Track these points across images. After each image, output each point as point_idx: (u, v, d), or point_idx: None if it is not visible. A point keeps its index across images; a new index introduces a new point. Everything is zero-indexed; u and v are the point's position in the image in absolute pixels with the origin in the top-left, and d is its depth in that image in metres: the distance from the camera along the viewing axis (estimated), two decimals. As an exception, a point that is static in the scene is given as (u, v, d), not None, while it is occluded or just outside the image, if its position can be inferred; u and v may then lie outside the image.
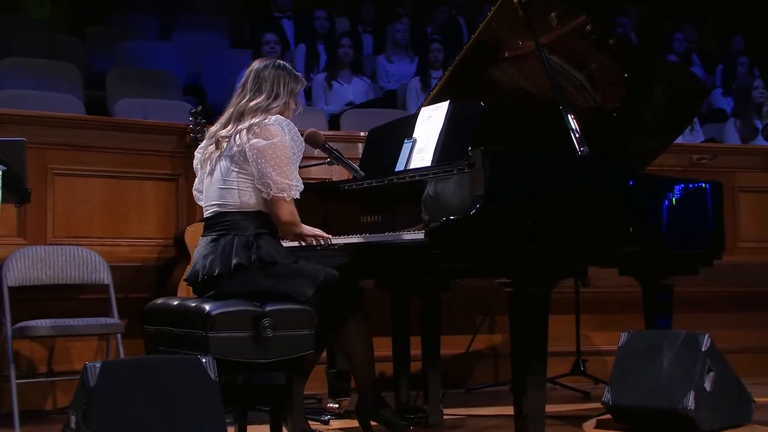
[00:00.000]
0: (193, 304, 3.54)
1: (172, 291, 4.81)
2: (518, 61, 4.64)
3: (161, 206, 5.21)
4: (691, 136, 7.50)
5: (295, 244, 4.01)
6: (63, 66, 7.09)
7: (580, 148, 3.87)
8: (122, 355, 4.55)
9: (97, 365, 2.88)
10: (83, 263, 4.75)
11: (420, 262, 3.47)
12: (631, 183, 3.77)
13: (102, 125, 5.14)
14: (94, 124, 5.12)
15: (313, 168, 5.17)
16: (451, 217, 3.35)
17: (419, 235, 3.44)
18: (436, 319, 4.03)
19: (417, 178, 3.80)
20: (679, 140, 7.19)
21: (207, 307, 3.46)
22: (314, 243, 3.87)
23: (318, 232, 3.86)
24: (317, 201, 4.37)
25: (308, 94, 7.68)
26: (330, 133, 6.03)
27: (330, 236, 3.85)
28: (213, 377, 3.06)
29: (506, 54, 4.68)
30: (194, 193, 3.94)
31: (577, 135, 3.91)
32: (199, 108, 5.19)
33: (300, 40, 8.74)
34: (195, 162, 3.93)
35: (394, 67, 8.33)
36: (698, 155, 6.29)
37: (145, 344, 3.90)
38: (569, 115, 3.98)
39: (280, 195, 3.65)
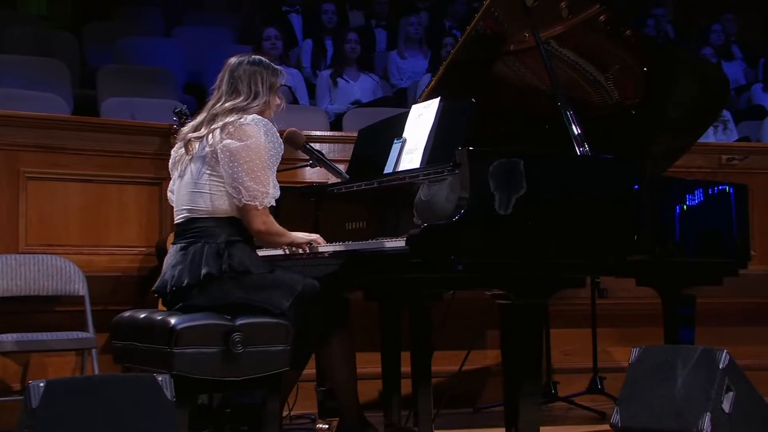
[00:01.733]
0: (159, 318, 3.49)
1: (155, 303, 4.75)
2: (525, 54, 4.57)
3: (143, 212, 5.15)
4: (724, 135, 7.36)
5: (279, 252, 3.96)
6: (52, 63, 7.10)
7: (579, 148, 3.76)
8: (96, 371, 4.50)
9: (41, 384, 2.82)
10: (57, 273, 4.71)
11: (401, 273, 3.37)
12: (636, 187, 3.65)
13: (80, 126, 5.11)
14: (70, 124, 5.08)
15: (304, 169, 5.13)
16: (433, 223, 3.26)
17: (402, 243, 3.35)
18: (426, 331, 3.94)
19: (403, 181, 3.72)
20: (710, 139, 7.13)
21: (172, 321, 3.40)
22: (298, 251, 3.81)
23: (313, 237, 3.80)
24: (309, 205, 4.31)
25: (312, 92, 7.63)
26: (327, 133, 5.95)
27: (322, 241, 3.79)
28: (170, 397, 2.99)
29: (511, 47, 4.60)
30: (168, 194, 3.90)
31: (576, 133, 3.80)
32: (184, 107, 5.13)
33: (308, 36, 8.71)
34: (170, 162, 3.88)
35: (406, 64, 8.25)
36: (728, 155, 6.15)
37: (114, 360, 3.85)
38: (568, 112, 3.86)
39: (252, 203, 3.59)
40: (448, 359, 4.51)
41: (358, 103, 7.32)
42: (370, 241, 3.63)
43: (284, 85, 7.00)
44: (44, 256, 4.76)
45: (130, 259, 5.12)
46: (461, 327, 4.55)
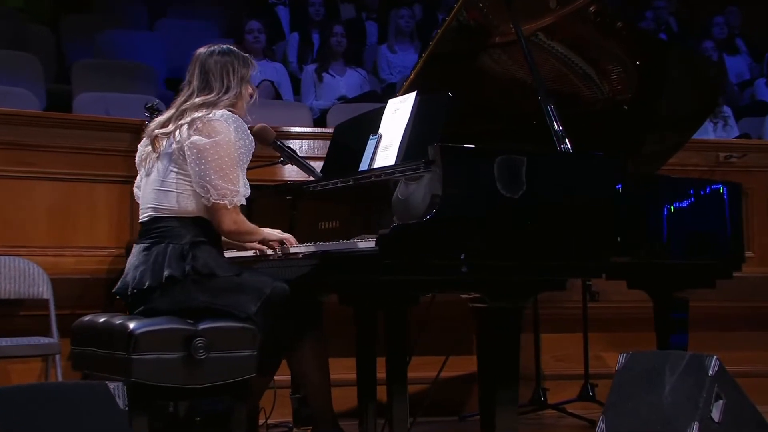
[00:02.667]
0: (118, 322, 3.45)
1: (125, 308, 4.71)
2: (511, 47, 4.53)
3: (113, 211, 5.10)
4: (724, 132, 7.31)
5: (249, 253, 3.92)
6: (24, 58, 7.03)
7: (560, 145, 3.71)
8: (60, 378, 4.45)
9: (-16, 392, 2.77)
10: (20, 276, 4.66)
11: (372, 275, 3.32)
12: (618, 186, 3.59)
13: (47, 122, 5.06)
14: (37, 120, 5.03)
15: (283, 167, 5.08)
16: (405, 222, 3.20)
17: (373, 243, 3.30)
18: (401, 336, 3.90)
19: (376, 179, 3.67)
20: (710, 136, 7.08)
21: (130, 326, 3.36)
22: (268, 252, 3.76)
23: (285, 236, 3.76)
24: (284, 205, 4.26)
25: (297, 87, 7.59)
26: (308, 130, 5.90)
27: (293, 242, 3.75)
28: (122, 406, 2.93)
29: (497, 39, 4.56)
30: (134, 191, 3.86)
31: (557, 129, 3.75)
32: (156, 102, 5.06)
33: (295, 29, 8.67)
34: (137, 158, 3.83)
35: (396, 58, 8.21)
36: (726, 153, 6.10)
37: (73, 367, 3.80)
38: (549, 107, 3.81)
39: (221, 202, 3.54)
40: (430, 365, 4.44)
41: (344, 99, 7.26)
42: (341, 241, 3.57)
43: (266, 80, 7.06)
44: (6, 257, 4.71)
45: (99, 261, 5.07)
46: (444, 331, 4.51)
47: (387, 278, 3.34)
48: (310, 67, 7.56)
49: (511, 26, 4.40)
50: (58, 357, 4.58)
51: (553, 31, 4.43)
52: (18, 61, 7.00)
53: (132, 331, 3.32)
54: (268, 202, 4.40)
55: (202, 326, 3.42)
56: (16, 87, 6.25)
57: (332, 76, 7.47)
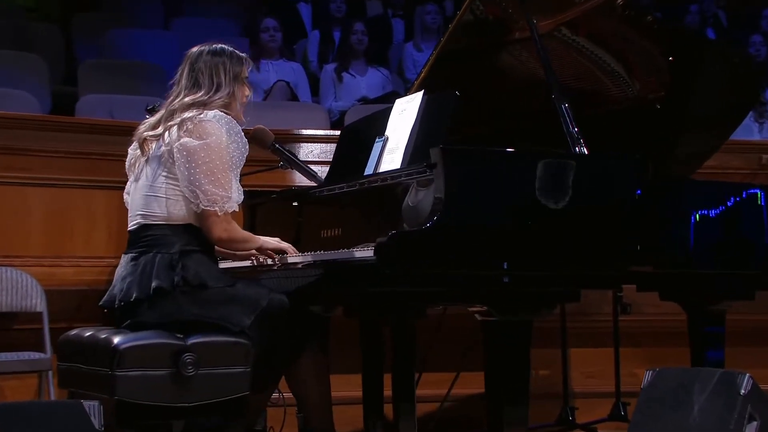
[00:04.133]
0: (103, 336, 3.43)
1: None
2: (532, 44, 4.44)
3: (113, 219, 5.05)
4: (769, 132, 7.20)
5: (246, 263, 3.89)
6: (28, 58, 7.07)
7: (574, 147, 3.65)
8: (53, 397, 4.43)
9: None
10: (12, 287, 4.66)
11: (369, 286, 3.28)
12: (638, 192, 3.53)
13: (42, 125, 5.06)
14: (31, 123, 5.03)
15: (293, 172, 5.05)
16: (403, 230, 3.16)
17: (372, 253, 3.26)
18: (408, 351, 3.85)
19: (377, 184, 3.65)
20: (752, 137, 6.96)
21: (115, 340, 3.34)
22: (267, 262, 3.74)
23: (283, 245, 3.73)
24: (289, 211, 4.23)
25: (315, 88, 7.56)
26: (321, 132, 5.86)
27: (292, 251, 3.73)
28: (98, 426, 2.92)
29: (516, 35, 4.51)
30: (124, 196, 3.84)
31: (570, 128, 3.69)
32: (159, 103, 5.05)
33: (317, 26, 8.66)
34: (126, 163, 3.82)
35: (422, 56, 8.14)
36: (769, 155, 6.00)
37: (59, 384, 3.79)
38: (563, 106, 3.75)
39: (211, 208, 3.52)
40: (440, 382, 4.40)
41: (364, 100, 7.23)
42: (341, 250, 3.54)
43: (282, 81, 7.05)
44: (-3, 268, 4.71)
45: (98, 271, 5.03)
46: (455, 345, 4.45)
47: (386, 289, 3.29)
48: (330, 67, 7.54)
49: (533, 20, 4.37)
50: (50, 373, 4.56)
51: (578, 25, 4.38)
52: (22, 62, 7.05)
53: (116, 346, 3.30)
54: (272, 208, 4.38)
55: (191, 341, 3.39)
56: (18, 89, 6.29)
57: (353, 75, 7.44)
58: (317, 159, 5.35)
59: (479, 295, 3.31)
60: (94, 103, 6.39)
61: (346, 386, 4.19)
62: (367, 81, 7.44)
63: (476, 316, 3.39)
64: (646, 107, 4.45)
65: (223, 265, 4.01)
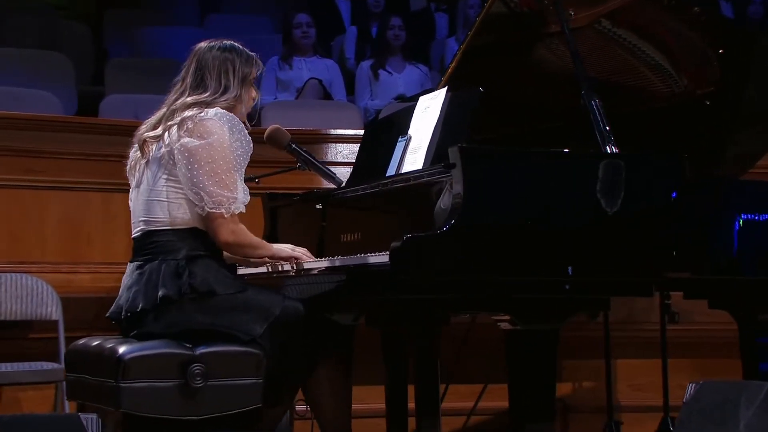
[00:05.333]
0: (108, 346, 3.44)
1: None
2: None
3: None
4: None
5: (262, 269, 3.87)
6: (54, 57, 7.13)
7: (605, 145, 3.58)
8: (67, 409, 4.45)
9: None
10: (27, 295, 4.69)
11: (384, 293, 3.26)
12: (674, 194, 3.46)
13: (58, 126, 5.09)
14: (46, 124, 5.05)
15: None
16: (418, 234, 3.12)
17: (386, 258, 3.22)
18: (430, 361, 3.82)
19: (394, 186, 3.64)
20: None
21: (120, 350, 3.33)
22: (282, 267, 3.71)
23: (299, 250, 3.69)
24: (313, 215, 4.21)
25: (350, 86, 7.54)
26: (350, 132, 5.83)
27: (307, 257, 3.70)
28: (95, 440, 2.90)
29: (552, 28, 4.46)
30: (129, 203, 3.82)
31: (601, 126, 3.62)
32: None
33: (355, 22, 8.66)
34: (127, 166, 3.80)
35: (466, 51, 8.10)
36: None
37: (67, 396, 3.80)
38: (593, 102, 3.69)
39: (217, 210, 3.50)
40: (468, 394, 4.35)
41: (401, 98, 7.19)
42: (356, 255, 3.51)
43: (314, 79, 7.04)
44: (12, 275, 4.73)
45: (117, 278, 4.92)
46: (484, 356, 4.41)
47: (402, 297, 3.26)
48: (366, 64, 7.52)
49: (571, 12, 4.32)
50: (65, 384, 4.57)
51: (619, 16, 4.31)
52: (48, 62, 7.12)
53: (121, 356, 3.30)
54: (294, 211, 4.36)
55: (199, 351, 3.38)
56: (41, 89, 6.34)
57: (389, 73, 7.41)
58: (345, 160, 5.33)
59: (501, 302, 3.26)
60: (119, 103, 6.43)
61: (370, 398, 4.14)
62: (405, 78, 7.40)
63: (499, 324, 3.33)
64: (695, 103, 4.38)
65: (241, 271, 4.00)
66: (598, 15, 4.31)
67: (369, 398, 4.16)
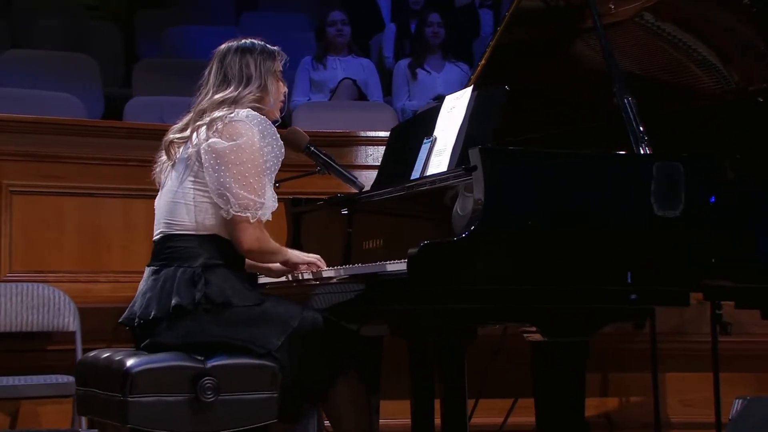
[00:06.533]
0: (117, 358, 3.44)
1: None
2: (611, 31, 4.35)
3: (153, 231, 5.10)
4: None
5: (282, 279, 3.86)
6: (81, 60, 7.18)
7: (639, 146, 3.53)
8: (84, 424, 4.46)
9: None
10: (44, 305, 4.71)
11: (402, 302, 3.23)
12: (713, 199, 3.39)
13: (77, 130, 5.11)
14: (64, 128, 5.08)
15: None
16: (436, 241, 3.08)
17: (404, 266, 3.19)
18: (457, 375, 3.79)
19: (416, 190, 3.62)
20: None
21: (127, 363, 3.33)
22: (303, 276, 3.70)
23: (312, 257, 3.71)
24: (338, 221, 4.20)
25: (387, 86, 7.52)
26: (380, 134, 5.80)
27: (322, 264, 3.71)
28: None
29: (589, 23, 4.41)
30: (155, 208, 3.83)
31: (634, 125, 3.57)
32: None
33: (395, 19, 8.65)
34: (153, 172, 3.82)
35: (510, 49, 8.05)
36: None
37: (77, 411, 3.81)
38: (626, 100, 3.64)
39: (243, 214, 3.49)
40: (498, 409, 4.31)
41: (439, 98, 7.16)
42: (374, 263, 3.48)
43: (348, 79, 7.03)
44: (30, 284, 4.76)
45: (137, 288, 5.07)
46: (516, 369, 4.35)
47: (422, 307, 3.22)
48: (403, 63, 7.50)
49: (611, 6, 4.29)
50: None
51: (663, 10, 4.27)
52: (74, 63, 7.17)
53: (128, 369, 3.30)
54: (318, 217, 4.35)
55: (211, 363, 3.38)
56: (66, 92, 6.38)
57: (427, 72, 7.38)
58: (376, 163, 5.31)
59: (525, 313, 3.22)
60: (144, 105, 6.46)
61: (399, 412, 4.12)
62: (444, 77, 7.38)
63: (525, 336, 3.29)
64: (746, 101, 4.32)
65: (262, 280, 4.00)
66: (640, 8, 4.27)
67: (398, 413, 4.12)
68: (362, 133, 5.72)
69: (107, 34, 8.34)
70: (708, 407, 5.38)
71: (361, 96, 7.09)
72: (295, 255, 3.69)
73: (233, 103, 3.60)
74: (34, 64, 6.99)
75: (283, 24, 8.97)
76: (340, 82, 7.03)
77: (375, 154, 5.51)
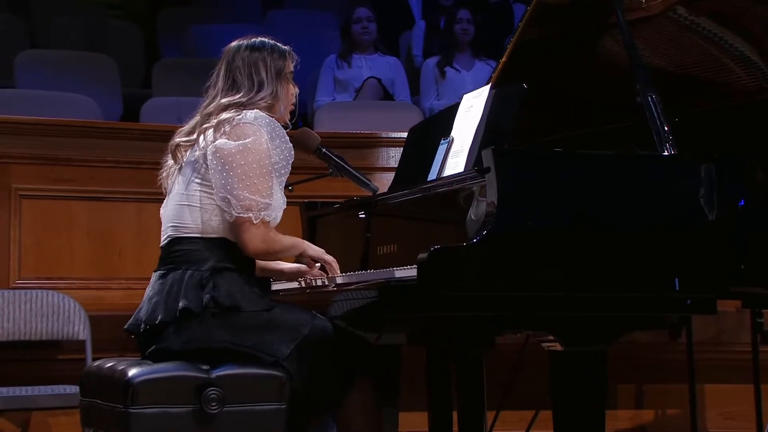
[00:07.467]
0: (120, 368, 3.43)
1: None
2: (641, 26, 4.32)
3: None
4: None
5: (294, 285, 3.85)
6: (100, 60, 7.21)
7: (664, 145, 3.48)
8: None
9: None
10: (54, 313, 4.72)
11: (411, 310, 3.20)
12: (742, 202, 3.35)
13: (88, 132, 5.12)
14: (76, 130, 5.09)
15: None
16: (447, 245, 3.05)
17: (413, 272, 3.16)
18: (475, 386, 3.76)
19: (429, 192, 3.61)
20: None
21: (130, 373, 3.33)
22: (316, 283, 3.69)
23: (327, 257, 3.72)
24: (355, 224, 4.18)
25: (415, 86, 7.48)
26: (402, 135, 5.75)
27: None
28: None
29: (615, 17, 4.38)
30: (161, 214, 3.83)
31: (658, 124, 3.52)
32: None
33: (425, 16, 8.62)
34: (159, 176, 3.83)
35: (544, 46, 8.00)
36: None
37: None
38: (650, 98, 3.59)
39: (245, 215, 3.49)
40: (518, 421, 4.28)
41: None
42: (383, 270, 3.47)
43: (373, 78, 7.01)
44: (39, 291, 4.78)
45: (151, 295, 5.09)
46: (538, 380, 4.32)
47: (433, 315, 3.20)
48: (431, 61, 7.46)
49: (642, 1, 4.24)
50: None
51: (697, 4, 4.21)
52: (92, 64, 7.20)
53: (129, 379, 3.30)
54: (333, 221, 4.34)
55: (216, 373, 3.37)
56: (84, 93, 6.40)
57: (457, 70, 7.36)
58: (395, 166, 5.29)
59: (538, 321, 3.18)
60: (162, 106, 6.47)
61: (415, 425, 4.09)
62: (474, 76, 7.33)
63: (543, 345, 3.26)
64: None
65: (275, 286, 3.98)
66: (673, 2, 4.21)
67: (416, 425, 4.10)
68: (384, 134, 5.69)
69: (128, 34, 8.36)
70: (749, 420, 5.33)
71: (387, 95, 7.06)
72: (313, 248, 3.69)
73: (242, 106, 3.61)
74: (53, 65, 7.03)
75: (310, 22, 8.98)
76: (364, 81, 7.01)
77: (397, 156, 5.47)
